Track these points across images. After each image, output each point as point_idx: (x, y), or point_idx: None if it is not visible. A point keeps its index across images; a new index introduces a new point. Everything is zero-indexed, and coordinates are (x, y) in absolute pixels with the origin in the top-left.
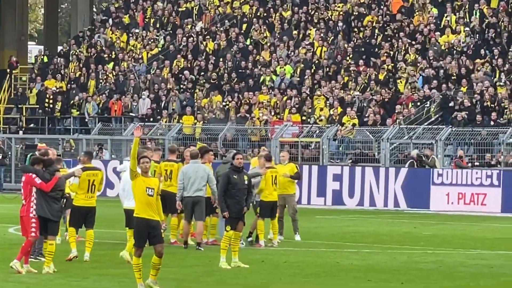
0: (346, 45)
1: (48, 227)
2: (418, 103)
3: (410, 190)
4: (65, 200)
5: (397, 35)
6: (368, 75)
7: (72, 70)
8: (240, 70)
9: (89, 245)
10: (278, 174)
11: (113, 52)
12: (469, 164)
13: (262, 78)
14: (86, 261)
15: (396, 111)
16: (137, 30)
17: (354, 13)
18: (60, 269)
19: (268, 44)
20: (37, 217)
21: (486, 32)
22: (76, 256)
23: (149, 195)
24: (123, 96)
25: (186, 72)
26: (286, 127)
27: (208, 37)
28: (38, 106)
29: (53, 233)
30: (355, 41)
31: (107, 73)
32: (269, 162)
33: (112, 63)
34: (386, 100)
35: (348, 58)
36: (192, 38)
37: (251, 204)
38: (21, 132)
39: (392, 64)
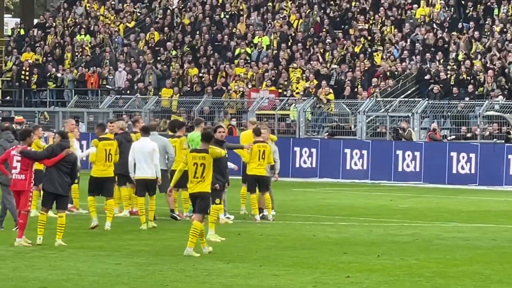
0: (320, 18)
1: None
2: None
3: (388, 162)
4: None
5: (373, 7)
6: (345, 47)
7: (49, 43)
8: (216, 43)
9: (109, 214)
10: (267, 149)
11: (90, 25)
12: (444, 137)
13: (237, 50)
14: (107, 229)
15: (373, 84)
16: (113, 3)
17: None
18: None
19: (244, 16)
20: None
21: (462, 4)
22: (97, 225)
23: None
24: (99, 69)
25: (168, 43)
26: (263, 99)
27: (184, 10)
28: (10, 78)
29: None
30: (331, 14)
31: (83, 46)
32: (259, 136)
33: (88, 36)
34: (363, 73)
35: (323, 30)
36: (168, 10)
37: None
38: None
39: (369, 37)
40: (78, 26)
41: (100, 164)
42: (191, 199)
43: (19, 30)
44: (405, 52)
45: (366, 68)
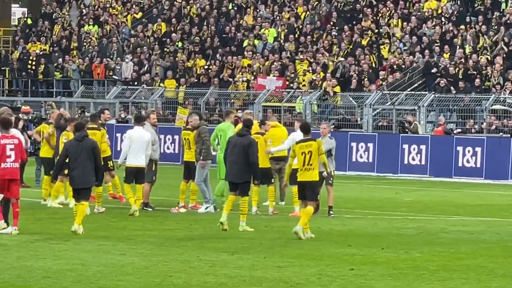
0: (327, 10)
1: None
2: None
3: (394, 155)
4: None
5: (380, 0)
6: (352, 40)
7: (56, 33)
8: (223, 35)
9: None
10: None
11: (97, 15)
12: (450, 130)
13: (246, 42)
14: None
15: (380, 77)
16: None
17: None
18: (41, 231)
19: (251, 8)
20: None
21: None
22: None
23: None
24: (106, 59)
25: (173, 35)
26: (269, 91)
27: (191, 1)
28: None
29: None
30: (338, 6)
31: (91, 36)
32: (264, 126)
33: (96, 26)
34: (369, 66)
35: (331, 23)
36: (175, 2)
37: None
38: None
39: (376, 30)
40: (86, 17)
41: None
42: (298, 186)
43: (26, 19)
44: (412, 45)
45: (372, 61)
